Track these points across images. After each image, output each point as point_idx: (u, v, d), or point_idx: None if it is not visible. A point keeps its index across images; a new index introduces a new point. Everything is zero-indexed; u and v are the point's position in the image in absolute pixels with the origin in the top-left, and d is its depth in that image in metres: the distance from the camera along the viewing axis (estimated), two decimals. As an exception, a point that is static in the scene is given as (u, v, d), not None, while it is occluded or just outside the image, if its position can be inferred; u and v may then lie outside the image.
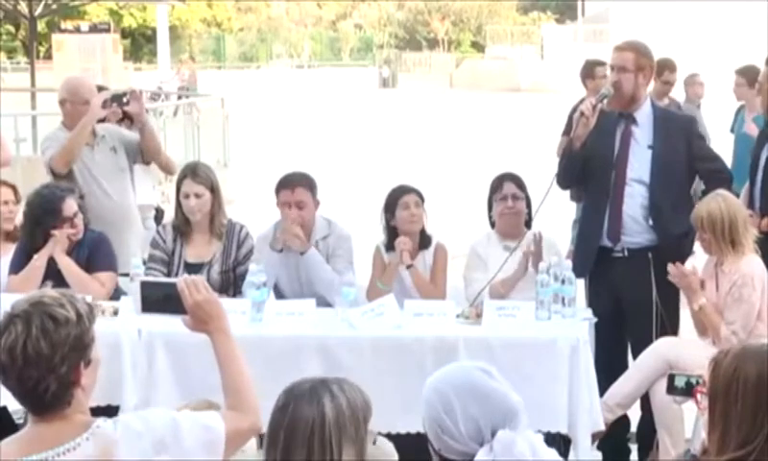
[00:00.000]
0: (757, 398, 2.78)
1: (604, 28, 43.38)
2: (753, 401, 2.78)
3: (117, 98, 6.47)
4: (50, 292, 2.72)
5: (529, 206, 5.97)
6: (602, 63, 9.17)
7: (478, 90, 41.92)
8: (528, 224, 5.97)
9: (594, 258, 5.65)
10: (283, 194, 5.71)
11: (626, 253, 5.59)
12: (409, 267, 5.79)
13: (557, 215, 7.41)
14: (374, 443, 2.80)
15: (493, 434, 2.90)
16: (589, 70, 9.20)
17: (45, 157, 6.40)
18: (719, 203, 5.24)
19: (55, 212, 5.70)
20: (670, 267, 5.25)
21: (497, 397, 2.93)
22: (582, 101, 9.13)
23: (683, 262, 5.52)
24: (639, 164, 5.58)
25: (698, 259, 5.71)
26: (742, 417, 2.78)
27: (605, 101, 5.64)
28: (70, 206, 5.72)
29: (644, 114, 5.67)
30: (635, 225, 5.57)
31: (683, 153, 5.64)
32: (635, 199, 5.57)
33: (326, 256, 5.76)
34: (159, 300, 3.08)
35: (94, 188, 6.37)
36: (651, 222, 5.56)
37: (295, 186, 5.70)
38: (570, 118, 9.15)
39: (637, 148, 5.61)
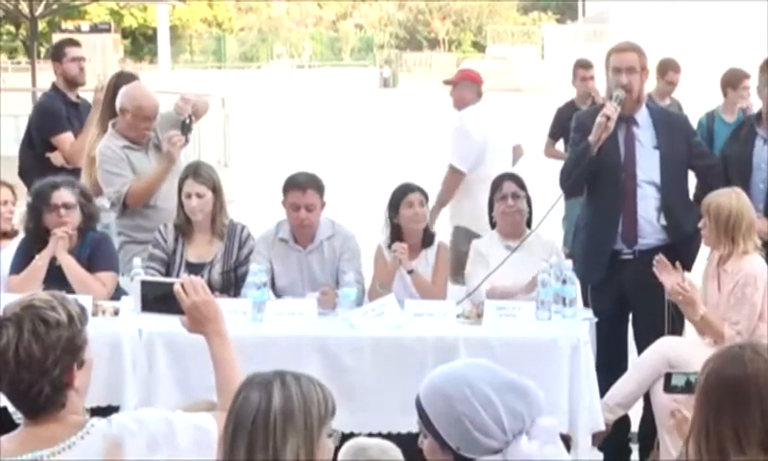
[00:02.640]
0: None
1: (604, 28, 43.39)
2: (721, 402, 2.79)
3: (186, 128, 6.37)
4: (41, 295, 2.72)
5: (530, 205, 5.97)
6: (584, 64, 9.26)
7: (479, 90, 41.84)
8: (529, 224, 5.97)
9: (606, 264, 5.62)
10: (293, 195, 5.70)
11: (637, 254, 5.58)
12: (410, 272, 5.79)
13: (557, 215, 7.42)
14: (330, 435, 2.73)
15: (520, 432, 2.86)
16: (574, 70, 9.35)
17: (115, 188, 6.24)
18: (731, 197, 5.25)
19: (44, 196, 5.74)
20: (662, 265, 5.22)
21: (531, 389, 2.90)
22: (569, 104, 9.21)
23: (692, 261, 5.54)
24: (648, 165, 5.58)
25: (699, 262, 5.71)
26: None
27: (621, 104, 5.58)
28: (60, 195, 5.72)
29: (643, 115, 5.67)
30: (648, 226, 5.57)
31: (684, 151, 5.66)
32: (647, 201, 5.57)
33: (333, 257, 5.76)
34: (159, 299, 3.09)
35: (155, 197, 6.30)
36: (664, 222, 5.56)
37: (306, 189, 5.69)
38: (557, 120, 9.19)
39: (643, 150, 5.60)
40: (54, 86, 7.49)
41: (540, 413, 2.86)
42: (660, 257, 5.25)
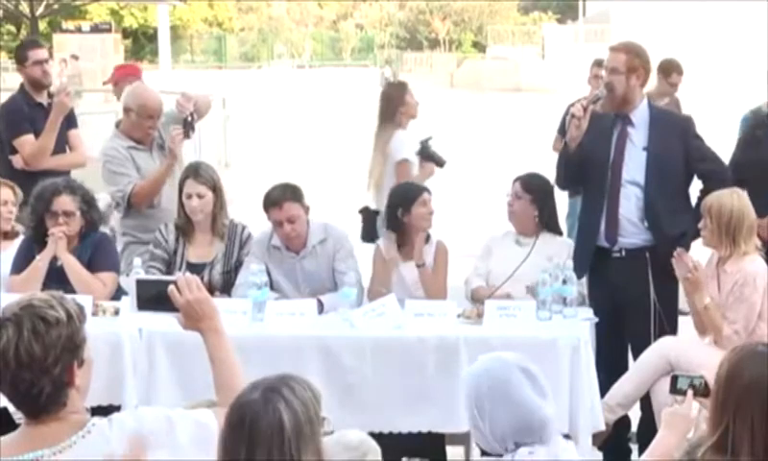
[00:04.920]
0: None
1: (605, 28, 43.34)
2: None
3: (189, 126, 6.31)
4: (39, 294, 2.73)
5: (545, 205, 5.90)
6: (600, 63, 9.28)
7: (479, 90, 41.87)
8: (547, 224, 5.92)
9: (591, 258, 5.66)
10: (272, 212, 5.68)
11: (623, 253, 5.60)
12: (421, 266, 5.80)
13: (561, 213, 7.40)
14: (325, 422, 2.78)
15: (517, 445, 2.92)
16: (591, 69, 9.36)
17: (119, 188, 6.26)
18: (733, 197, 5.26)
19: (45, 200, 5.74)
20: (681, 258, 5.21)
21: (528, 408, 2.94)
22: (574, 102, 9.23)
23: None
24: (634, 166, 5.59)
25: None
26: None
27: (599, 102, 5.65)
28: (60, 202, 5.71)
29: (640, 116, 5.67)
30: (630, 226, 5.59)
31: (679, 154, 5.64)
32: (630, 200, 5.58)
33: (328, 259, 5.75)
34: (155, 298, 3.10)
35: (158, 196, 6.33)
36: (646, 223, 5.57)
37: (282, 203, 5.65)
38: (564, 118, 9.22)
39: (633, 149, 5.62)
40: (21, 87, 7.34)
41: (532, 442, 2.91)
42: (680, 250, 5.25)
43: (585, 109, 5.55)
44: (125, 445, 2.68)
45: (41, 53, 7.33)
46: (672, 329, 5.60)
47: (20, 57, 7.33)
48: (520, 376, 3.01)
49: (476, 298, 5.71)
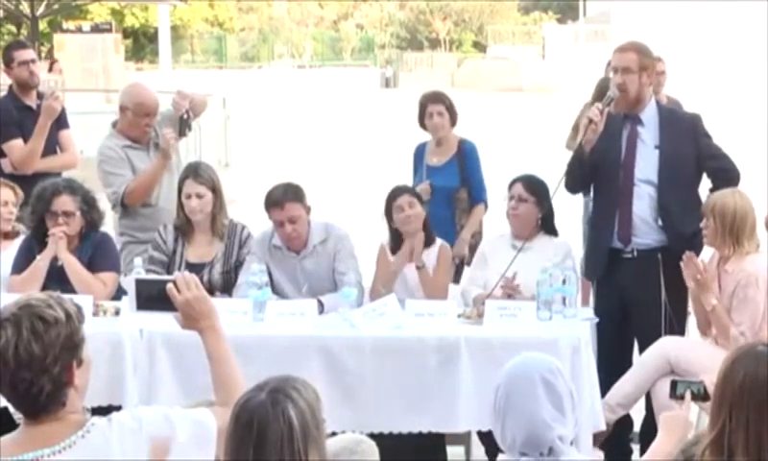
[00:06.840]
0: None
1: (605, 28, 43.35)
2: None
3: (185, 124, 6.29)
4: (37, 294, 2.74)
5: (546, 207, 5.83)
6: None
7: (480, 90, 41.87)
8: (548, 228, 5.89)
9: (606, 261, 5.63)
10: (273, 212, 5.66)
11: (635, 253, 5.58)
12: (420, 268, 5.79)
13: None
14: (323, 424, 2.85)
15: (522, 454, 2.95)
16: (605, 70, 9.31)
17: (113, 189, 6.25)
18: (735, 197, 5.26)
19: (45, 201, 5.73)
20: (690, 261, 5.21)
21: (539, 424, 2.96)
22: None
23: None
24: (647, 165, 5.57)
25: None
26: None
27: (611, 104, 5.62)
28: (60, 203, 5.71)
29: (649, 114, 5.66)
30: (644, 226, 5.56)
31: (690, 152, 5.63)
32: (643, 200, 5.56)
33: (329, 260, 5.75)
34: (154, 297, 3.11)
35: (156, 196, 6.31)
36: (660, 222, 5.55)
37: (283, 203, 5.62)
38: (583, 114, 9.16)
39: (644, 148, 5.60)
40: (9, 90, 7.26)
41: (538, 456, 2.93)
42: (689, 254, 5.24)
43: (601, 113, 5.53)
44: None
45: (27, 53, 7.23)
46: (681, 330, 5.59)
47: (6, 58, 7.25)
48: (540, 391, 3.00)
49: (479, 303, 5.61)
